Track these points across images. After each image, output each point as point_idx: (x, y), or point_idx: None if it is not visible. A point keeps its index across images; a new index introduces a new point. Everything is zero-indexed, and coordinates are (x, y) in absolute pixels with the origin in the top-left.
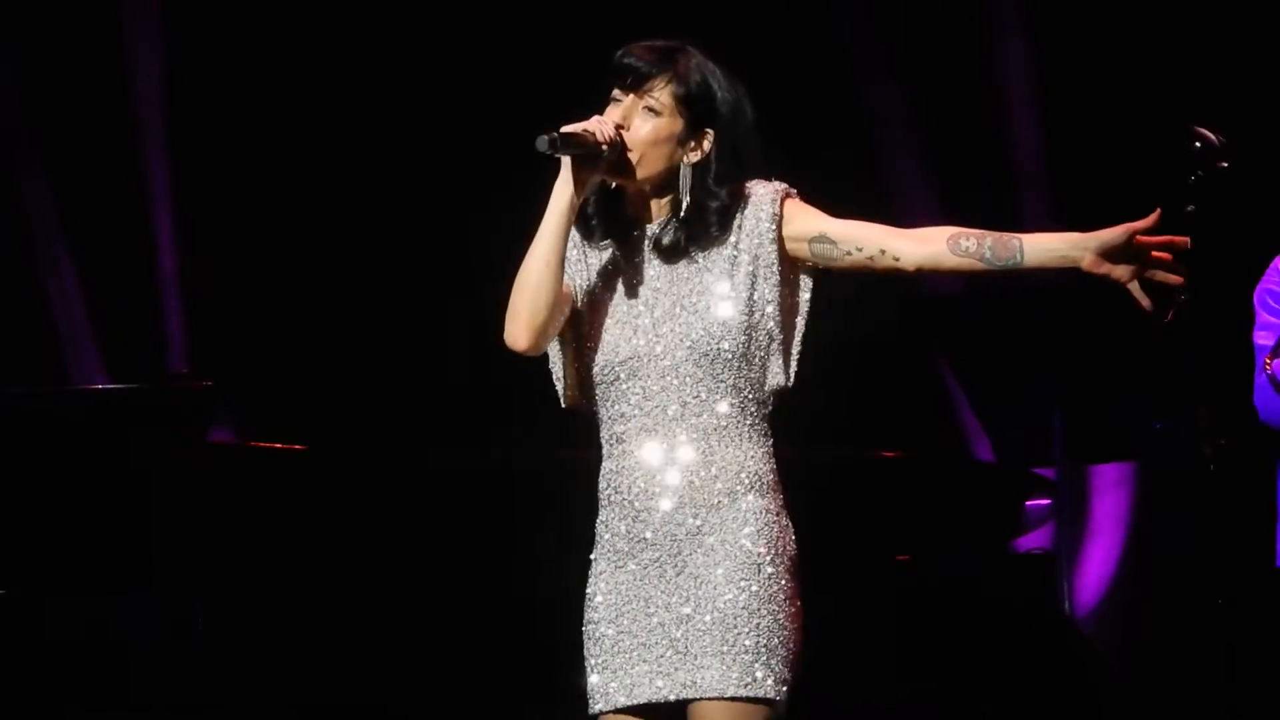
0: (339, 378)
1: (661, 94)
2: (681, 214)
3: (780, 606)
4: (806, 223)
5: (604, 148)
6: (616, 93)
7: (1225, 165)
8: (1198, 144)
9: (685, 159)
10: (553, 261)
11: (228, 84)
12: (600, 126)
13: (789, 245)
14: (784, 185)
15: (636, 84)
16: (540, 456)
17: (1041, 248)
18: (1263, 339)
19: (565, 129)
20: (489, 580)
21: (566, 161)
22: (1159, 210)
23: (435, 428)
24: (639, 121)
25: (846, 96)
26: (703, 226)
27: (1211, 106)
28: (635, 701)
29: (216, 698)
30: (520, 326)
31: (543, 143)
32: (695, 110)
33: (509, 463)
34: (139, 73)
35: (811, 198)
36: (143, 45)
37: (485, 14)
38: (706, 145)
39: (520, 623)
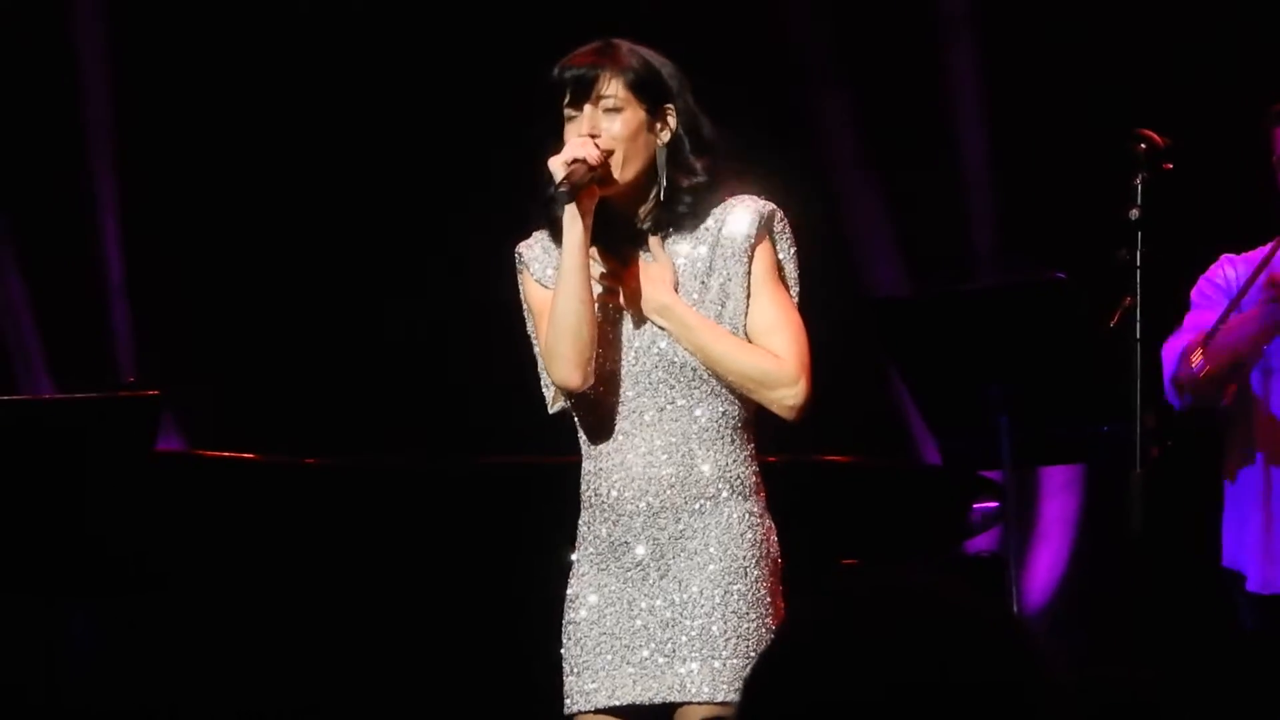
0: (290, 386)
1: (615, 88)
2: (660, 197)
3: (766, 609)
4: (755, 281)
5: (597, 168)
6: (569, 110)
7: (1170, 167)
8: (1143, 146)
9: (659, 142)
10: (584, 296)
11: (175, 91)
12: (585, 150)
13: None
14: (770, 207)
15: (587, 90)
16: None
17: None
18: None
19: (562, 173)
20: (453, 589)
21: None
22: None
23: (388, 434)
24: (607, 124)
25: (789, 102)
26: (679, 206)
27: (1157, 109)
28: (618, 703)
29: (160, 707)
30: (569, 367)
31: (562, 197)
32: (649, 91)
33: (447, 470)
34: (86, 79)
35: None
36: (90, 52)
37: (438, 24)
38: (672, 121)
39: (488, 626)
